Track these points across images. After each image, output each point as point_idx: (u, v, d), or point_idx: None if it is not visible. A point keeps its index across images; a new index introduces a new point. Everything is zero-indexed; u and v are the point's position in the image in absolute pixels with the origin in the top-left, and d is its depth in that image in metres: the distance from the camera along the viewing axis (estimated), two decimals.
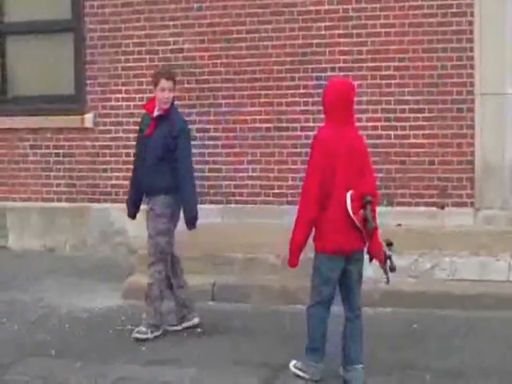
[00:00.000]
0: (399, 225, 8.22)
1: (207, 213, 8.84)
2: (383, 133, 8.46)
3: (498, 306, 6.62)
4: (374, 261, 5.32)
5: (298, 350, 5.42)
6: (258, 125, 8.79)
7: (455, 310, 6.64)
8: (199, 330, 6.42)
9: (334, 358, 5.32)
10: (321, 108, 5.52)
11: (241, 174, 8.87)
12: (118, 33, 9.17)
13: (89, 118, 9.29)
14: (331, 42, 8.53)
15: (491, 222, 8.20)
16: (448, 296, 6.80)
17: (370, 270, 5.72)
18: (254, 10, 8.74)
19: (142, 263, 6.92)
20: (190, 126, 8.92)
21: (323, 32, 8.55)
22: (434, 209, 8.36)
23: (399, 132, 8.43)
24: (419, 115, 8.37)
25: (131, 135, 8.57)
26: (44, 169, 9.48)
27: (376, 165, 8.40)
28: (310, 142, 5.47)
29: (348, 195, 5.10)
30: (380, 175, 8.40)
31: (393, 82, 8.41)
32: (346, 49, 8.50)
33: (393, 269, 5.27)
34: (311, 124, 8.41)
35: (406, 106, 8.40)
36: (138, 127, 6.66)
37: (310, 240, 5.25)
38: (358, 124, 8.32)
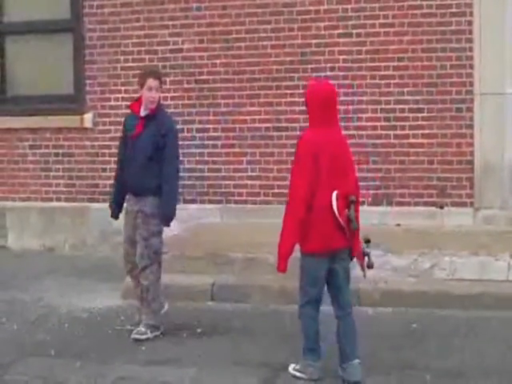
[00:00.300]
0: (398, 225, 8.22)
1: (207, 213, 8.89)
2: (383, 133, 8.47)
3: (498, 305, 6.61)
4: (355, 259, 5.34)
5: (297, 350, 5.41)
6: (257, 125, 8.80)
7: (455, 309, 6.63)
8: (199, 330, 6.41)
9: (332, 357, 5.32)
10: None
11: (240, 174, 8.87)
12: (117, 33, 9.18)
13: (88, 118, 9.29)
14: (330, 42, 8.54)
15: (491, 221, 8.22)
16: (448, 296, 6.79)
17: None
18: (254, 10, 8.75)
19: None
20: (190, 126, 9.03)
21: (322, 32, 8.56)
22: (434, 209, 8.37)
23: (398, 132, 8.44)
24: (418, 115, 8.38)
25: None
26: (43, 169, 9.49)
27: (375, 165, 8.47)
28: None
29: (334, 195, 5.11)
30: (379, 175, 8.42)
31: (392, 81, 8.42)
32: (346, 49, 8.51)
33: (370, 266, 5.29)
34: None
35: (406, 106, 8.41)
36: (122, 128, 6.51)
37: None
38: (357, 124, 8.51)
